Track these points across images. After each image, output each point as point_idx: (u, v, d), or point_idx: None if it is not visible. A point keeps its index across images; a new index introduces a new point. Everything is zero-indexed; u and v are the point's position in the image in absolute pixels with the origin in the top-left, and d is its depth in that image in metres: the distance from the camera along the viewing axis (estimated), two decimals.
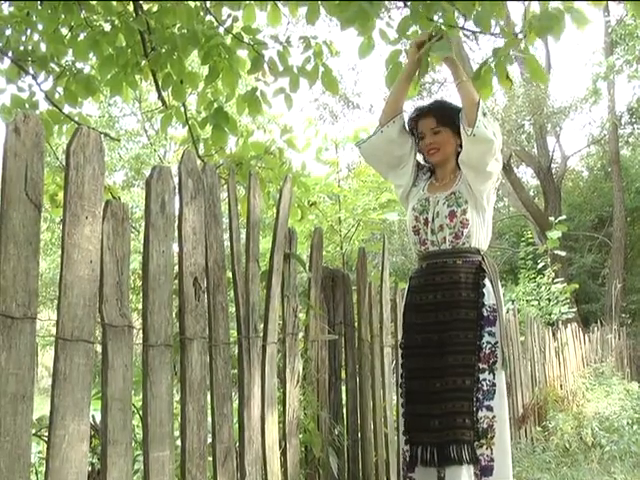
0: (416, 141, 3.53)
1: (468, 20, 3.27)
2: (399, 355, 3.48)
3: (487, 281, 3.28)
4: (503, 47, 3.32)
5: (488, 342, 3.20)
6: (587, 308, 19.71)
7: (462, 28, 3.33)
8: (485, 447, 3.10)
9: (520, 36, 3.31)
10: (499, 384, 3.19)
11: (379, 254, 5.35)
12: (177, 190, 2.36)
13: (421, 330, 3.33)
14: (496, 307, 3.26)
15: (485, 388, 3.14)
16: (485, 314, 3.22)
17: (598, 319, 15.26)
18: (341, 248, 6.62)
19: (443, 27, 3.33)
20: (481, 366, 3.16)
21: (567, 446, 6.39)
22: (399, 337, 4.54)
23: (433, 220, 3.36)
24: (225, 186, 2.89)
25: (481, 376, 3.15)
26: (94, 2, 4.58)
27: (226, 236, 2.71)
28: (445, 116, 3.43)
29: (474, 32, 3.39)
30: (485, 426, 3.10)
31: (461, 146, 3.37)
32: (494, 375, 3.17)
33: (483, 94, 3.45)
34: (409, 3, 3.59)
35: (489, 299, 3.26)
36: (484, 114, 3.21)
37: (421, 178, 3.56)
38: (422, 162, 3.59)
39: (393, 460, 4.21)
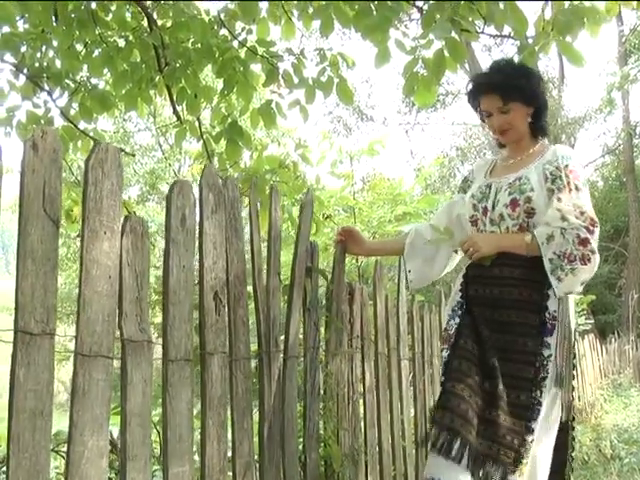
0: (480, 117, 3.08)
1: (488, 25, 3.24)
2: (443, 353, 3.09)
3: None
4: (533, 42, 3.27)
5: (542, 354, 2.75)
6: (604, 319, 19.62)
7: (481, 32, 3.31)
8: (518, 474, 2.67)
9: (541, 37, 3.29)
10: (545, 404, 2.75)
11: (395, 267, 5.33)
12: (197, 204, 2.35)
13: (474, 325, 2.89)
14: (556, 314, 2.78)
15: (532, 407, 2.73)
16: (546, 321, 2.77)
17: (615, 330, 15.19)
18: (357, 261, 6.60)
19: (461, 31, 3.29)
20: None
21: (586, 458, 6.32)
22: (417, 349, 4.52)
23: (493, 208, 2.92)
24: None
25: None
26: (109, 19, 4.62)
27: (246, 249, 2.69)
28: (511, 90, 2.89)
29: (493, 36, 3.38)
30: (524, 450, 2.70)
31: (535, 114, 2.97)
32: (541, 392, 2.73)
33: None
34: (426, 8, 3.58)
35: (553, 303, 2.78)
36: None
37: (476, 177, 3.19)
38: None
39: (411, 473, 4.18)
